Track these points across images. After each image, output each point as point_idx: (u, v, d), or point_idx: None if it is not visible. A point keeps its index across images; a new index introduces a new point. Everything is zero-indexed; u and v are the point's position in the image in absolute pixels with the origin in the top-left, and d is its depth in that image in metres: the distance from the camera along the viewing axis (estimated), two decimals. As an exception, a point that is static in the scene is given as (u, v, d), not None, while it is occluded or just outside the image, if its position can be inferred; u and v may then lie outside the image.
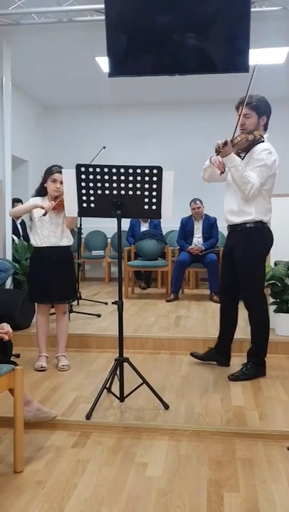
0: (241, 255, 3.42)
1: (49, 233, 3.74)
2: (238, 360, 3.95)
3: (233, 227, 3.49)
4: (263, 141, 3.38)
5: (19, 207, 4.13)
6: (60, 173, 3.65)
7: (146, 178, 2.96)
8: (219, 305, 3.79)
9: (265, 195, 3.40)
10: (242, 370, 3.50)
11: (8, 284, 5.09)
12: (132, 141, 8.38)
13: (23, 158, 7.91)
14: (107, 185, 2.98)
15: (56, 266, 3.73)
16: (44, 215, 3.64)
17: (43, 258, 3.75)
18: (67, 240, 3.80)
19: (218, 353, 3.77)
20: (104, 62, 5.81)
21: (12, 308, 4.36)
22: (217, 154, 3.28)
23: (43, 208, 3.63)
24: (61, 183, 3.64)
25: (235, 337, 3.87)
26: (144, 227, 7.50)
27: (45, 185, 3.77)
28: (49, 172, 3.76)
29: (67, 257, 3.85)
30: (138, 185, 2.97)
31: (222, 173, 3.37)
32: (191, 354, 3.86)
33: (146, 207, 3.03)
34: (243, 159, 3.38)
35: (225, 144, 3.20)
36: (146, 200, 3.01)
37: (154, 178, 2.96)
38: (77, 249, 6.10)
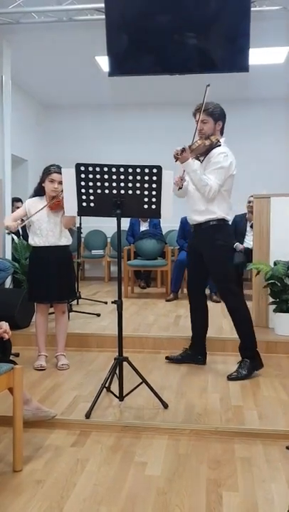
0: (209, 252, 3.58)
1: (47, 233, 3.73)
2: (233, 360, 3.95)
3: (197, 226, 3.62)
4: (220, 145, 3.53)
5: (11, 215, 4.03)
6: (58, 173, 3.64)
7: (146, 178, 2.96)
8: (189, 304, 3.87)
9: (226, 196, 3.56)
10: (239, 368, 3.53)
11: (8, 283, 5.09)
12: (132, 140, 8.38)
13: (23, 158, 7.90)
14: (106, 184, 2.97)
15: (55, 265, 3.72)
16: (8, 233, 3.71)
17: (42, 258, 3.74)
18: (65, 240, 3.80)
19: (194, 354, 3.80)
20: (104, 62, 5.81)
21: (11, 307, 4.35)
22: (176, 161, 3.42)
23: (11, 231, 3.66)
24: (59, 183, 3.64)
25: (231, 336, 3.89)
26: (144, 226, 7.49)
27: (43, 184, 3.77)
28: (47, 172, 3.75)
29: (66, 256, 3.85)
30: (138, 185, 2.97)
31: (180, 188, 3.57)
32: (167, 358, 3.90)
33: (145, 206, 3.03)
34: (202, 163, 3.54)
35: (182, 150, 3.37)
36: (146, 199, 3.01)
37: (154, 178, 2.96)
38: (77, 248, 6.11)
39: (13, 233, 4.17)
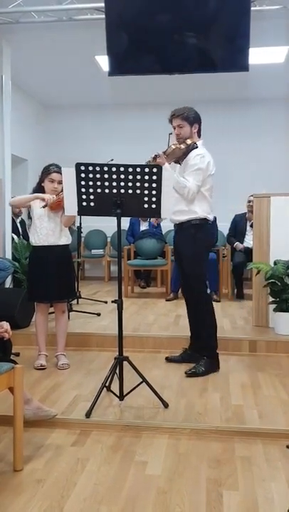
0: (185, 250, 3.63)
1: (47, 232, 3.74)
2: (234, 359, 3.97)
3: (179, 226, 3.67)
4: (197, 147, 3.59)
5: (20, 196, 4.00)
6: (58, 172, 3.66)
7: (146, 177, 2.96)
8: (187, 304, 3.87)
9: (207, 195, 3.61)
10: (198, 365, 3.59)
11: (8, 283, 5.09)
12: (132, 139, 8.37)
13: (23, 157, 7.90)
14: (106, 184, 2.97)
15: (55, 265, 3.73)
16: (44, 206, 3.65)
17: (42, 257, 3.75)
18: (65, 239, 3.80)
19: (193, 353, 3.81)
20: (104, 61, 5.81)
21: (12, 307, 4.35)
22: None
23: (43, 199, 3.64)
24: (59, 182, 3.66)
25: (231, 336, 3.88)
26: (144, 226, 7.50)
27: (42, 184, 3.77)
28: (47, 171, 3.76)
29: (66, 255, 3.85)
30: (138, 184, 2.97)
31: None
32: (166, 358, 3.91)
33: (146, 206, 3.03)
34: (181, 166, 3.62)
35: (155, 157, 3.46)
36: (146, 199, 3.01)
37: (154, 177, 2.96)
38: (77, 248, 6.11)
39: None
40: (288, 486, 2.19)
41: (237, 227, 6.68)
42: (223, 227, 6.77)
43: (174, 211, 3.62)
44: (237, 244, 6.48)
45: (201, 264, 3.66)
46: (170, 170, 3.46)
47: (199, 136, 3.69)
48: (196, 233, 3.59)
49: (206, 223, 3.62)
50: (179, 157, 3.61)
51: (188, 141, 3.56)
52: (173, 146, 3.55)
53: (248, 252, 6.16)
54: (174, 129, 3.62)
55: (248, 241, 6.44)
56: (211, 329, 3.70)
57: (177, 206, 3.60)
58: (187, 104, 3.71)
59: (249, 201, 6.42)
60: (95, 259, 8.54)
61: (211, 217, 3.64)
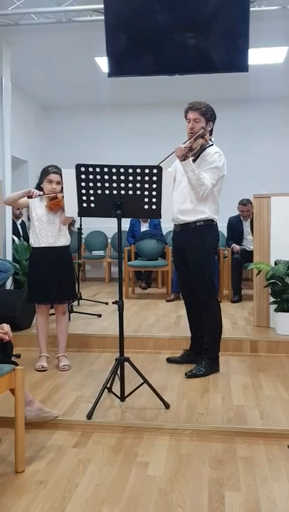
0: (194, 252, 3.54)
1: (47, 233, 3.74)
2: (235, 360, 3.96)
3: (184, 226, 3.58)
4: (212, 145, 3.53)
5: (11, 194, 3.94)
6: (56, 173, 3.69)
7: (146, 178, 2.96)
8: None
9: (216, 196, 3.56)
10: (198, 366, 3.57)
11: (9, 284, 5.09)
12: (132, 140, 8.38)
13: (23, 159, 7.91)
14: (107, 185, 2.98)
15: (55, 266, 3.73)
16: (29, 197, 3.65)
17: (41, 258, 3.75)
18: (65, 240, 3.80)
19: (194, 354, 3.80)
20: (103, 63, 5.82)
21: (12, 308, 4.35)
22: (183, 160, 3.32)
23: (30, 191, 3.66)
24: (57, 183, 3.69)
25: (232, 336, 3.86)
26: (144, 227, 7.50)
27: (41, 185, 3.78)
28: (45, 172, 3.78)
29: (66, 257, 3.85)
30: (138, 185, 2.97)
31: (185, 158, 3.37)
32: (168, 359, 3.90)
33: (146, 207, 3.03)
34: (194, 162, 3.47)
35: (190, 149, 3.34)
36: (146, 199, 3.01)
37: (154, 178, 2.96)
38: (78, 249, 6.11)
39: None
40: (290, 486, 2.19)
41: (234, 230, 6.67)
42: (223, 227, 6.76)
43: (180, 210, 3.54)
44: (234, 246, 6.47)
45: (210, 266, 3.61)
46: (192, 165, 3.36)
47: (211, 134, 3.59)
48: (205, 234, 3.52)
49: (213, 224, 3.57)
50: (195, 152, 3.47)
51: (207, 138, 3.44)
52: (198, 141, 3.37)
53: (245, 254, 6.18)
54: (189, 122, 3.49)
55: (246, 244, 6.45)
56: (218, 333, 3.66)
57: (184, 204, 3.52)
58: (186, 105, 3.68)
59: (244, 204, 6.42)
60: (95, 260, 8.54)
61: (217, 218, 3.59)
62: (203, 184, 3.38)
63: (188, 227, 3.55)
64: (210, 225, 3.54)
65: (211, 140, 3.52)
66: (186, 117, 3.53)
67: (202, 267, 3.56)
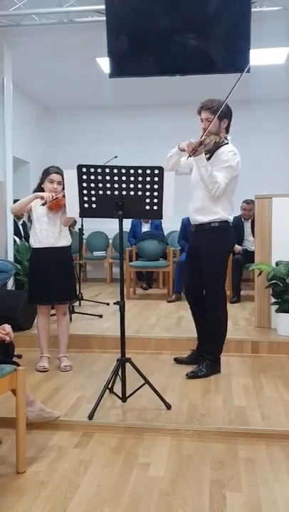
0: (207, 253, 3.51)
1: (47, 234, 3.74)
2: (236, 361, 3.96)
3: (199, 227, 3.56)
4: (227, 143, 3.49)
5: (19, 201, 3.89)
6: (57, 173, 3.71)
7: (148, 179, 2.95)
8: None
9: (230, 196, 3.52)
10: (199, 367, 3.57)
11: (10, 285, 5.10)
12: (133, 141, 8.38)
13: (24, 160, 7.92)
14: (108, 185, 2.98)
15: (55, 267, 3.73)
16: (43, 204, 3.65)
17: (42, 259, 3.75)
18: (65, 241, 3.80)
19: (201, 354, 3.78)
20: (105, 63, 5.81)
21: (14, 309, 4.35)
22: (194, 154, 3.28)
23: (42, 197, 3.65)
24: (58, 183, 3.70)
25: (233, 337, 3.84)
26: (146, 227, 7.50)
27: (42, 186, 3.79)
28: (46, 173, 3.79)
29: (66, 257, 3.85)
30: (139, 186, 2.97)
31: (189, 156, 3.35)
32: (175, 359, 3.89)
33: (147, 207, 3.03)
34: (208, 160, 3.43)
35: (200, 144, 3.26)
36: (148, 200, 3.01)
37: (156, 179, 2.96)
38: (79, 250, 6.11)
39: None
40: (291, 487, 2.19)
41: (236, 230, 6.66)
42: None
43: (195, 209, 3.52)
44: (235, 246, 6.47)
45: (221, 269, 3.59)
46: (205, 161, 3.31)
47: (227, 132, 3.52)
48: (219, 236, 3.50)
49: (228, 225, 3.53)
50: (208, 150, 3.43)
51: (222, 135, 3.40)
52: (211, 138, 3.31)
53: (247, 255, 6.17)
54: (202, 121, 3.45)
55: (247, 245, 6.45)
56: (222, 336, 3.64)
57: (197, 204, 3.49)
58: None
59: (248, 203, 6.43)
60: (96, 260, 8.54)
61: (231, 219, 3.55)
62: (216, 182, 3.33)
63: (202, 227, 3.53)
64: (225, 226, 3.50)
65: (226, 138, 3.47)
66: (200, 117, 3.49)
67: (213, 270, 3.53)
